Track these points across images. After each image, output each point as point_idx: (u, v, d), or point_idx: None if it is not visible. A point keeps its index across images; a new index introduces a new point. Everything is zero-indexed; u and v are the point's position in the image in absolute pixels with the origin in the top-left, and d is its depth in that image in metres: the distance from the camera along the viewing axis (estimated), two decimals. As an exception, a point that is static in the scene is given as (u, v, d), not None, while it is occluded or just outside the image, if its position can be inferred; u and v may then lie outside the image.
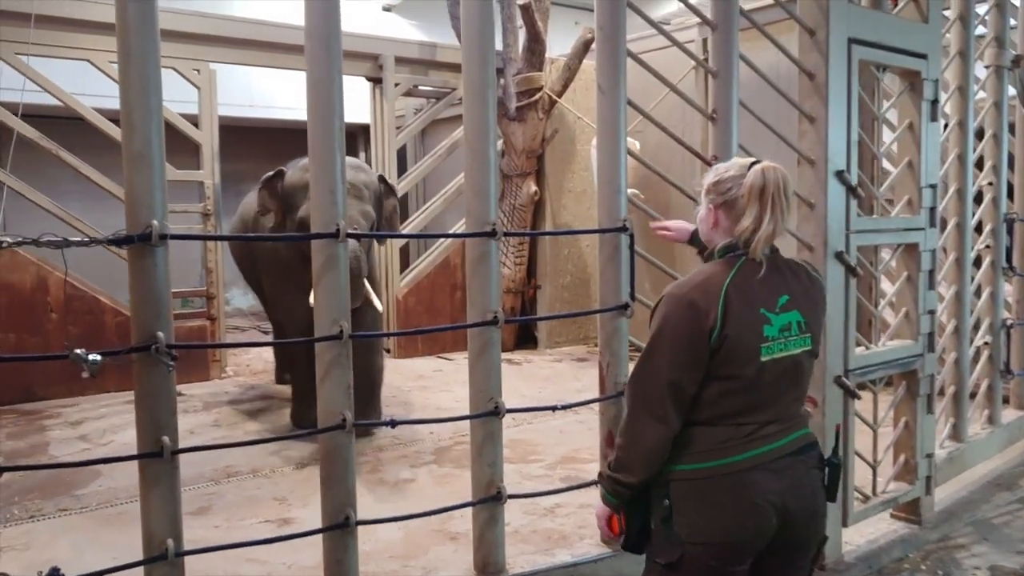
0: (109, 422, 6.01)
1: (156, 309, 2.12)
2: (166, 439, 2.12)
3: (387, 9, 12.14)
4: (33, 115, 6.74)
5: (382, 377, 5.89)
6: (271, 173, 5.52)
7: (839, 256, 3.23)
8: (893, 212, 3.67)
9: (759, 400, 1.86)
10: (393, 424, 2.46)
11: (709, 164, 2.95)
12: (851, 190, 3.25)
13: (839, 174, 3.22)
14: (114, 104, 7.17)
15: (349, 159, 5.95)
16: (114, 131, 6.88)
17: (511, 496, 2.58)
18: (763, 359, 1.82)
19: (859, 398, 3.33)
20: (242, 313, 12.10)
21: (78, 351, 2.00)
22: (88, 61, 6.72)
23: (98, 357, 2.02)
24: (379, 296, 5.50)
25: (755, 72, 3.14)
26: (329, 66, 2.33)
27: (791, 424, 1.92)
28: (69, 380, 6.54)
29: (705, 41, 7.04)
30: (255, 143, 11.46)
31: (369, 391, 5.62)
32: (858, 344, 3.42)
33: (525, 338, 9.01)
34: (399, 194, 8.40)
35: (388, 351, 8.53)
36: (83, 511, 4.25)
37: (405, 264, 8.87)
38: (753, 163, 1.88)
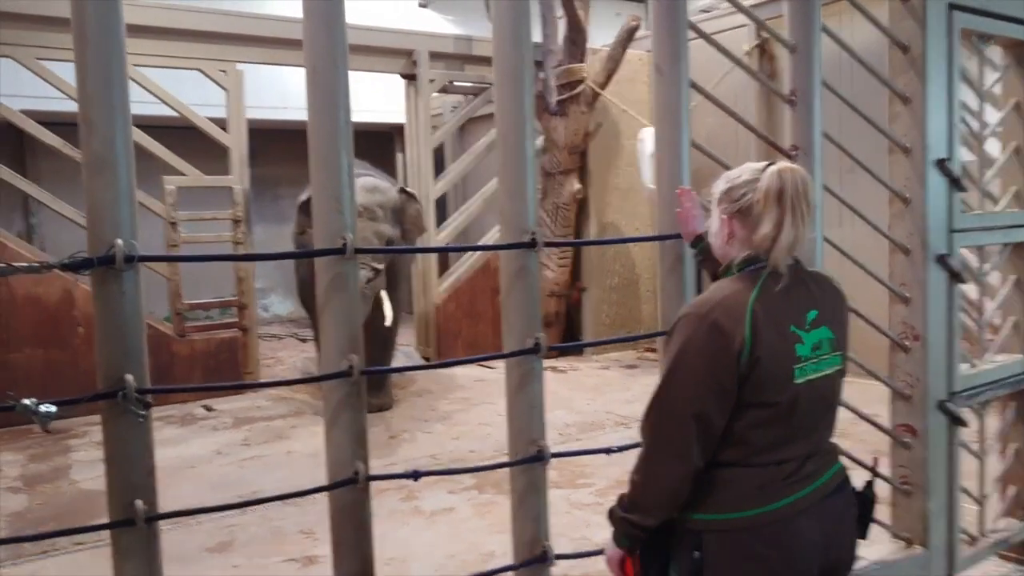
0: (135, 442, 5.73)
1: (124, 346, 1.74)
2: (139, 503, 1.75)
3: (423, 5, 11.79)
4: (57, 123, 6.52)
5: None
6: (308, 196, 5.35)
7: (941, 260, 2.74)
8: (998, 206, 3.17)
9: (794, 430, 1.66)
10: (416, 476, 2.06)
11: (788, 156, 2.49)
12: (954, 182, 2.77)
13: (940, 163, 2.73)
14: (136, 109, 6.86)
15: (365, 180, 6.05)
16: (139, 136, 6.65)
17: (560, 556, 2.16)
18: (797, 382, 1.64)
19: (966, 425, 2.85)
20: (280, 320, 11.86)
21: (26, 401, 1.63)
22: (111, 64, 6.47)
23: (52, 408, 1.66)
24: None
25: (839, 47, 2.67)
26: (332, 50, 1.93)
27: (827, 459, 1.76)
28: (97, 396, 6.28)
29: (758, 28, 6.54)
30: (290, 146, 11.19)
31: (379, 387, 6.26)
32: (962, 361, 2.93)
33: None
34: (436, 195, 8.09)
35: (427, 360, 8.20)
36: (98, 545, 3.93)
37: (444, 268, 8.50)
38: (768, 165, 1.70)
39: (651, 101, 2.33)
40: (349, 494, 1.96)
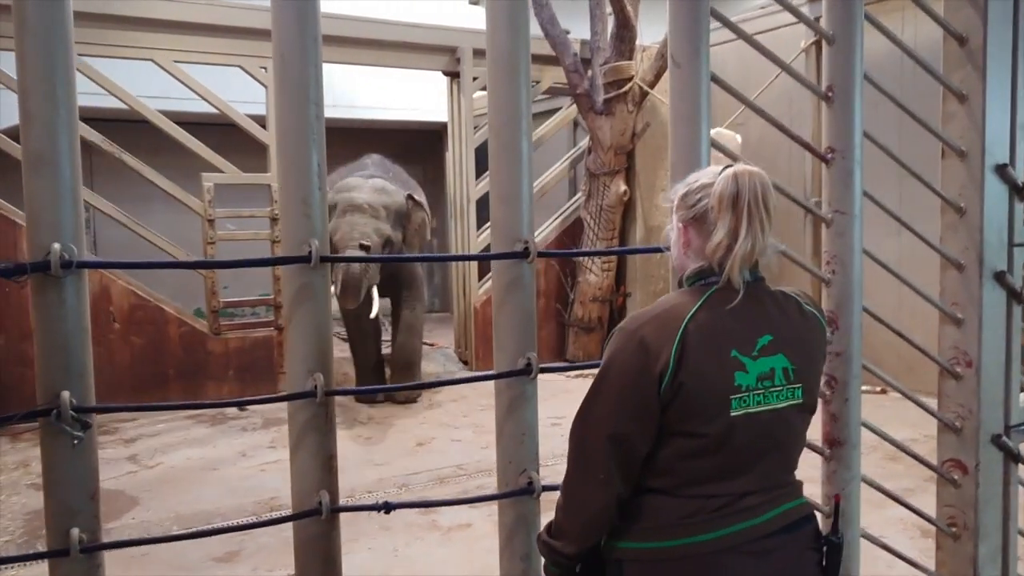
0: (163, 440, 5.71)
1: (63, 360, 1.60)
2: (76, 532, 1.61)
3: (474, 2, 11.63)
4: (95, 119, 6.53)
5: (420, 357, 6.86)
6: None
7: (999, 277, 2.44)
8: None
9: (731, 465, 1.51)
10: (388, 509, 1.87)
11: (824, 159, 2.24)
12: (1016, 190, 2.46)
13: (1000, 169, 2.43)
14: (179, 106, 6.72)
15: (375, 182, 6.12)
16: (178, 133, 6.64)
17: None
18: (734, 414, 1.48)
19: (1024, 463, 2.55)
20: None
21: (-51, 419, 1.50)
22: (152, 60, 6.47)
23: (-22, 426, 1.52)
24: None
25: (887, 39, 2.40)
26: (302, 37, 1.76)
27: (778, 495, 1.56)
28: (131, 394, 6.30)
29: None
30: (337, 144, 11.16)
31: (407, 370, 6.63)
32: (1021, 390, 2.62)
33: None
34: (478, 195, 7.93)
35: (466, 363, 8.06)
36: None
37: (485, 270, 8.33)
38: (725, 168, 1.55)
39: (669, 97, 2.10)
40: (314, 526, 1.79)
